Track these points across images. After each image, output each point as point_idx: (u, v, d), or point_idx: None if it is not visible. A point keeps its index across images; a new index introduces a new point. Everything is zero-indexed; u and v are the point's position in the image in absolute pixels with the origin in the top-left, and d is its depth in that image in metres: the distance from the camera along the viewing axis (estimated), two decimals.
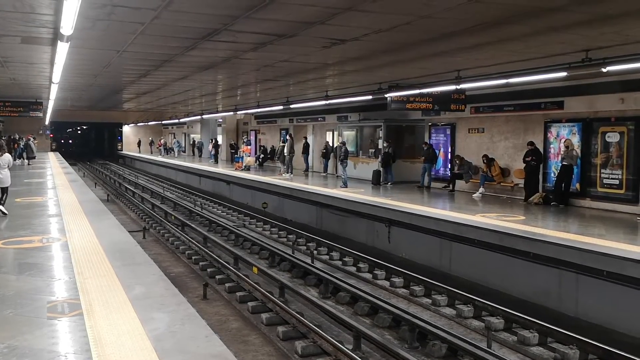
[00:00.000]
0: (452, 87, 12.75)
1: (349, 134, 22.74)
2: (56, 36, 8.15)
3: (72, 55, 10.07)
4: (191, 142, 44.32)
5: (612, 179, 12.78)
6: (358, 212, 14.32)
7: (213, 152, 33.57)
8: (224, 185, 24.62)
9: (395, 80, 13.86)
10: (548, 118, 14.46)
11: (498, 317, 8.28)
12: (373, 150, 21.17)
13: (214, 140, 34.87)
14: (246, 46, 9.51)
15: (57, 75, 12.54)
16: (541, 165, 14.32)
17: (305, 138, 26.13)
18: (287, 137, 23.68)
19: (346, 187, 17.63)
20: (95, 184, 30.31)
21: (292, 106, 20.74)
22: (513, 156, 15.64)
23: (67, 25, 6.28)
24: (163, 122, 43.83)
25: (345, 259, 12.18)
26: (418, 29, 7.82)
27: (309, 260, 11.69)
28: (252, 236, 14.31)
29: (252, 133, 33.94)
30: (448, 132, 18.19)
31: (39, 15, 7.27)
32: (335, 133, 24.54)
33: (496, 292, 9.83)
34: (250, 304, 8.88)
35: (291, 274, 11.13)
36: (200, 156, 37.54)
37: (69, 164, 32.09)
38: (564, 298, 8.96)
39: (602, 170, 12.99)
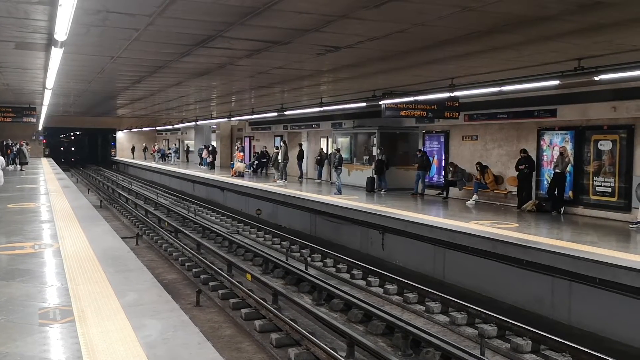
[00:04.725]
0: (446, 95, 12.82)
1: (343, 141, 22.77)
2: (50, 42, 8.13)
3: (66, 61, 10.06)
4: (185, 149, 44.14)
5: (604, 186, 12.84)
6: (352, 219, 14.32)
7: (209, 160, 32.32)
8: (218, 192, 24.58)
9: (390, 88, 13.91)
10: (541, 126, 14.53)
11: (491, 324, 8.28)
12: (367, 157, 21.19)
13: (210, 147, 33.66)
14: (241, 53, 9.53)
15: (50, 80, 12.52)
16: (534, 173, 14.39)
17: (301, 145, 26.13)
18: (281, 143, 23.66)
19: (340, 193, 17.64)
20: (89, 190, 30.18)
21: (286, 113, 20.77)
22: (506, 164, 15.70)
23: (61, 31, 6.28)
24: (157, 128, 43.71)
25: (339, 266, 12.15)
26: (412, 37, 7.87)
27: (302, 267, 11.66)
28: (245, 243, 14.28)
29: (247, 139, 33.75)
30: (442, 139, 18.24)
31: (33, 21, 7.26)
32: (330, 140, 24.56)
33: (490, 300, 9.85)
34: (243, 310, 8.84)
35: (285, 281, 11.10)
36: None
37: (62, 169, 31.93)
38: (557, 305, 8.98)
39: (595, 178, 13.05)
